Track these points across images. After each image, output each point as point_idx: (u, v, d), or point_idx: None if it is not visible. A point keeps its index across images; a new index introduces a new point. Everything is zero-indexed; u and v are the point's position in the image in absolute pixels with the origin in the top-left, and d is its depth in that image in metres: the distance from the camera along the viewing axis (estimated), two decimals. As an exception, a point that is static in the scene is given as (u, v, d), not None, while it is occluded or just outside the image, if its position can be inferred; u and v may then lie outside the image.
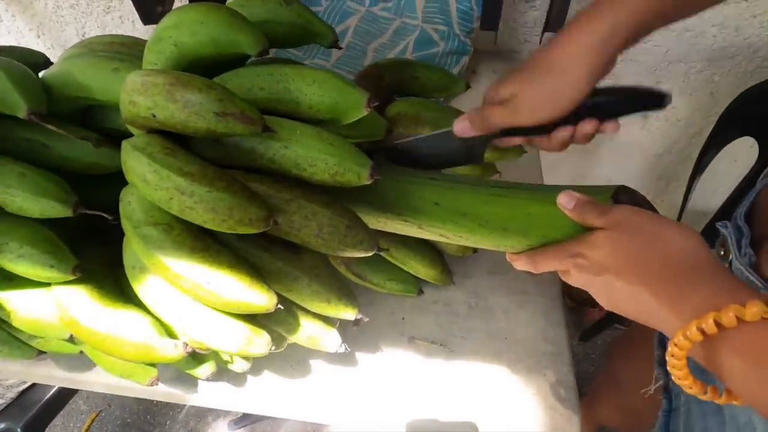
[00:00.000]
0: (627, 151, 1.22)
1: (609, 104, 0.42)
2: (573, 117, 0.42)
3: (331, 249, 0.41)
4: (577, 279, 0.39)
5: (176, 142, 0.39)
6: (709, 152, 0.93)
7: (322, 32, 0.48)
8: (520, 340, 0.59)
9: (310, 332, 0.49)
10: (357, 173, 0.39)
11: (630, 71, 1.03)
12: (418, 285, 0.61)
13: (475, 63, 0.94)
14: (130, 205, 0.41)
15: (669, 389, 0.60)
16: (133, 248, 0.42)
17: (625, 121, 0.44)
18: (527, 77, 0.41)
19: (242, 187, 0.38)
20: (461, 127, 0.46)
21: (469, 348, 0.59)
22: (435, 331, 0.60)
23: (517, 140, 0.47)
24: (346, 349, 0.51)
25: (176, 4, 0.95)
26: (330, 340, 0.50)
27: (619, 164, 1.25)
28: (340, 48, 0.51)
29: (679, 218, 1.06)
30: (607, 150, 1.22)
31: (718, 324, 0.28)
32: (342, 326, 0.53)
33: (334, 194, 0.43)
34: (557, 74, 0.40)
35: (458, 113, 0.59)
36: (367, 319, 0.49)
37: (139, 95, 0.37)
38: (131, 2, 0.75)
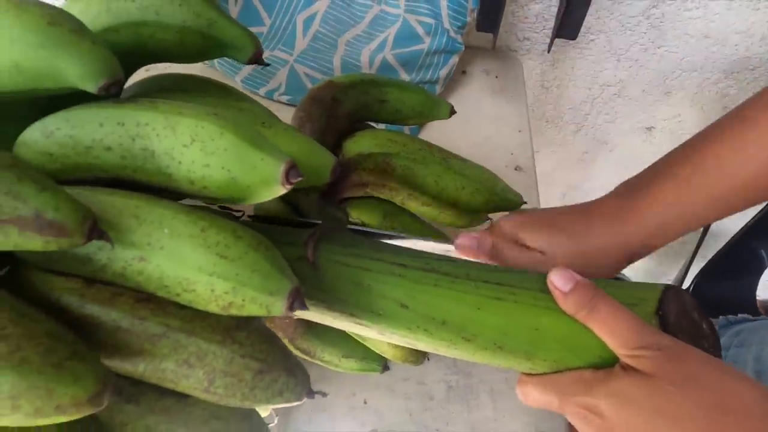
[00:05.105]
0: (626, 162, 1.10)
1: None
2: None
3: (232, 403, 0.27)
4: None
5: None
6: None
7: (235, 42, 0.32)
8: (509, 433, 0.47)
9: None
10: (265, 305, 0.24)
11: (640, 78, 0.91)
12: (382, 360, 0.48)
13: (465, 62, 0.80)
14: None
15: None
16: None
17: (626, 132, 0.34)
18: (562, 242, 0.37)
19: (49, 343, 0.20)
20: (466, 245, 0.39)
21: (445, 443, 0.47)
22: (404, 420, 0.48)
23: None
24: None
25: None
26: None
27: (616, 175, 1.14)
28: (266, 65, 0.36)
29: (701, 242, 0.95)
30: (605, 160, 1.10)
31: None
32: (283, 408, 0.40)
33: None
34: (599, 256, 0.37)
35: (443, 155, 0.46)
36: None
37: None
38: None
